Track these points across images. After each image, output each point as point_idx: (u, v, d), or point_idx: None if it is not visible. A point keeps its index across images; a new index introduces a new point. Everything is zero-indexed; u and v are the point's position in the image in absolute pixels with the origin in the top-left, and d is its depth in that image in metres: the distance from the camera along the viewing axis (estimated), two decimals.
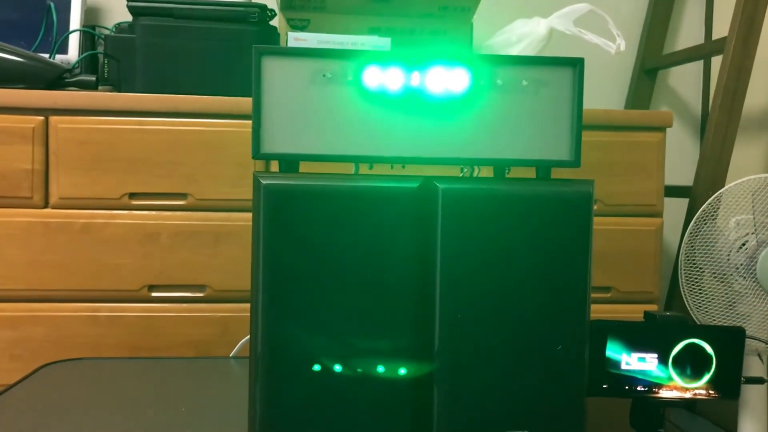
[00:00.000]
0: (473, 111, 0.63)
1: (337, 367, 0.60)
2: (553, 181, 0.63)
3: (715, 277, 0.95)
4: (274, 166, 1.15)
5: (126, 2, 1.19)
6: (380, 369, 0.60)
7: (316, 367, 0.60)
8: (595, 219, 0.64)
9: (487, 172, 0.68)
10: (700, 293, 0.95)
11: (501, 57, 0.63)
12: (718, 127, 1.32)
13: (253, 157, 0.61)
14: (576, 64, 0.63)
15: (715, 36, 1.72)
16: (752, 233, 0.92)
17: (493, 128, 0.63)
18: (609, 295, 1.26)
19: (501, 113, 0.63)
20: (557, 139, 0.64)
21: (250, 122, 0.62)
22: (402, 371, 0.60)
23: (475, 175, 0.71)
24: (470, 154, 0.63)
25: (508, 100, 0.63)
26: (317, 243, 0.59)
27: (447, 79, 0.62)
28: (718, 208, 0.97)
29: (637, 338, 0.69)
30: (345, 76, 0.61)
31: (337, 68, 0.61)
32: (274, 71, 0.61)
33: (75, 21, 1.40)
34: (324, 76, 0.61)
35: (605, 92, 1.76)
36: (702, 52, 1.62)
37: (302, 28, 1.30)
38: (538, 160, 0.64)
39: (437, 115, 0.62)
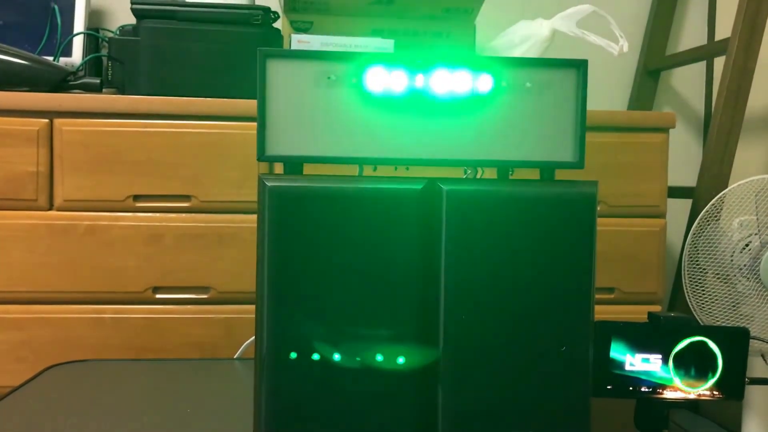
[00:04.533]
0: (477, 113, 0.63)
1: (342, 368, 0.60)
2: (557, 183, 0.63)
3: (718, 278, 0.95)
4: (279, 168, 1.15)
5: (130, 5, 1.20)
6: (385, 369, 0.60)
7: (321, 367, 0.60)
8: (598, 220, 0.64)
9: (490, 173, 0.68)
10: (704, 294, 0.95)
11: (504, 59, 0.63)
12: (721, 128, 1.32)
13: (258, 159, 0.61)
14: (580, 66, 0.63)
15: (718, 37, 1.72)
16: (755, 234, 0.92)
17: (497, 130, 0.63)
18: (612, 296, 1.26)
19: (505, 115, 0.63)
20: (561, 141, 0.64)
21: (253, 124, 0.63)
22: (407, 372, 0.61)
23: (478, 176, 0.72)
24: (474, 156, 0.63)
25: (512, 101, 0.63)
26: (322, 245, 0.60)
27: (451, 81, 0.62)
28: (722, 209, 0.97)
29: (641, 339, 0.69)
30: (349, 78, 0.62)
31: (341, 70, 0.61)
32: (279, 74, 0.61)
33: (79, 24, 1.41)
34: (328, 78, 0.61)
35: (608, 93, 1.76)
36: (705, 53, 1.62)
37: (305, 30, 1.31)
38: (542, 161, 0.64)
39: (441, 116, 0.63)
